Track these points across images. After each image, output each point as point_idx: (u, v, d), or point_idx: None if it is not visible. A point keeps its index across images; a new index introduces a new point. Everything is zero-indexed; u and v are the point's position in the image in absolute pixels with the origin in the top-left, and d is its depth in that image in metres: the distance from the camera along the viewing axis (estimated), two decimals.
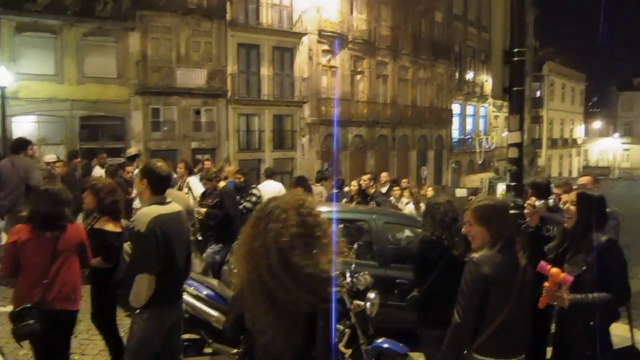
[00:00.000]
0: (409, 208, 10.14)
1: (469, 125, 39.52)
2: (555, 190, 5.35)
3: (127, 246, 4.84)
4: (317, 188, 10.96)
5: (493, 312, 2.94)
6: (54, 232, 4.01)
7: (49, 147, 17.55)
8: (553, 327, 3.88)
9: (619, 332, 3.61)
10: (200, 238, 7.99)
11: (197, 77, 22.32)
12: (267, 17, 24.53)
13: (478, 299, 2.93)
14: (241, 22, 23.65)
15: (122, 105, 20.80)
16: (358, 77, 29.55)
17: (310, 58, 26.28)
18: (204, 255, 7.61)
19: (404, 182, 11.51)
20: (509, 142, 5.03)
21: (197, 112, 22.97)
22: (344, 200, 9.90)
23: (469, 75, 38.37)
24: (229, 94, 23.39)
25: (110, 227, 4.59)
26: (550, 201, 4.98)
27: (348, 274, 4.57)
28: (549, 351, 3.94)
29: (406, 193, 10.39)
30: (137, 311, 3.64)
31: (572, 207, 3.52)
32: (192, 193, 8.78)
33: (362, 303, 4.47)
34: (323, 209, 7.26)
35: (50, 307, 3.98)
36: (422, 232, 4.19)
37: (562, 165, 54.72)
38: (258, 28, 24.24)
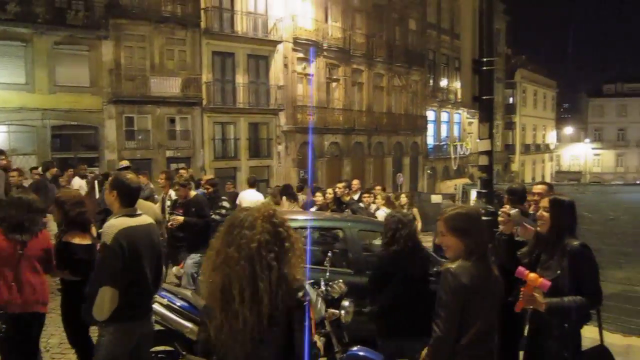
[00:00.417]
0: (380, 214, 10.17)
1: (443, 132, 39.94)
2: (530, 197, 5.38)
3: None
4: (302, 196, 11.00)
5: (468, 323, 2.90)
6: (23, 237, 4.12)
7: (20, 158, 17.29)
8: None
9: (588, 335, 3.67)
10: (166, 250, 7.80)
11: (171, 86, 22.19)
12: (242, 25, 24.50)
13: (459, 311, 2.88)
14: (216, 30, 23.58)
15: (96, 115, 20.54)
16: (333, 84, 29.68)
17: (285, 66, 26.30)
18: (184, 267, 7.37)
19: (377, 190, 11.55)
20: (480, 149, 5.08)
21: (172, 121, 22.82)
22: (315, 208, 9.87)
23: (443, 82, 38.79)
24: (204, 102, 23.28)
25: (77, 239, 4.53)
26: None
27: (322, 282, 4.57)
28: (522, 355, 3.98)
29: (379, 199, 10.40)
30: (104, 324, 3.58)
31: (545, 213, 3.58)
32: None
33: (336, 311, 4.47)
34: (299, 217, 7.30)
35: (18, 310, 4.04)
36: (380, 246, 4.27)
37: (535, 170, 55.56)
38: (233, 36, 24.20)
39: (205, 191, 9.15)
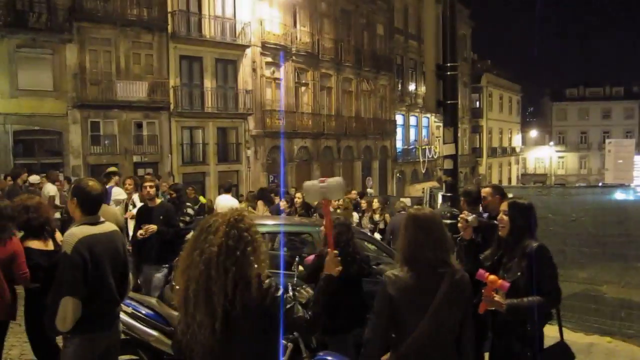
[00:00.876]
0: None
1: (412, 136, 40.30)
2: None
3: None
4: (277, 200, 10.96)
5: (402, 332, 2.93)
6: None
7: None
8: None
9: (551, 334, 3.75)
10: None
11: (138, 90, 21.87)
12: (209, 29, 24.33)
13: (385, 317, 2.95)
14: (183, 34, 23.35)
15: (60, 119, 20.13)
16: (302, 89, 29.69)
17: (253, 70, 26.22)
18: (154, 283, 6.73)
19: (352, 194, 11.59)
20: (444, 153, 5.15)
21: (139, 126, 22.50)
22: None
23: (411, 87, 39.21)
24: (172, 106, 23.03)
25: (36, 244, 4.44)
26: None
27: (290, 287, 4.56)
28: (487, 356, 4.04)
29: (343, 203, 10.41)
30: (69, 335, 3.49)
31: (505, 217, 3.64)
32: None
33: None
34: (267, 222, 7.27)
35: None
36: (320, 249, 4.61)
37: (502, 173, 56.61)
38: (200, 40, 24.00)
39: (170, 197, 8.86)
